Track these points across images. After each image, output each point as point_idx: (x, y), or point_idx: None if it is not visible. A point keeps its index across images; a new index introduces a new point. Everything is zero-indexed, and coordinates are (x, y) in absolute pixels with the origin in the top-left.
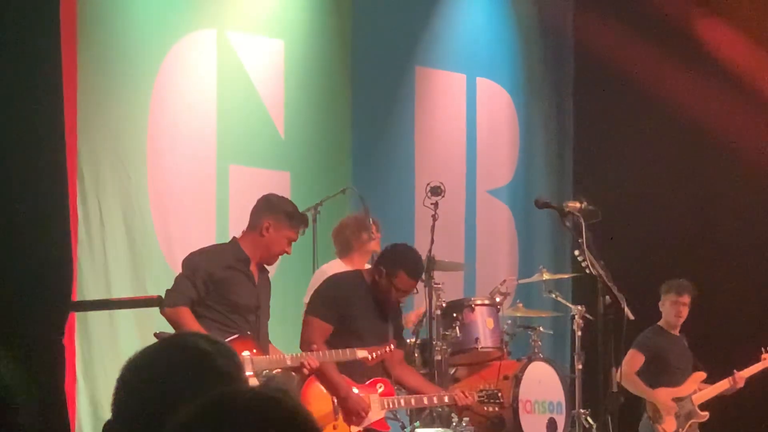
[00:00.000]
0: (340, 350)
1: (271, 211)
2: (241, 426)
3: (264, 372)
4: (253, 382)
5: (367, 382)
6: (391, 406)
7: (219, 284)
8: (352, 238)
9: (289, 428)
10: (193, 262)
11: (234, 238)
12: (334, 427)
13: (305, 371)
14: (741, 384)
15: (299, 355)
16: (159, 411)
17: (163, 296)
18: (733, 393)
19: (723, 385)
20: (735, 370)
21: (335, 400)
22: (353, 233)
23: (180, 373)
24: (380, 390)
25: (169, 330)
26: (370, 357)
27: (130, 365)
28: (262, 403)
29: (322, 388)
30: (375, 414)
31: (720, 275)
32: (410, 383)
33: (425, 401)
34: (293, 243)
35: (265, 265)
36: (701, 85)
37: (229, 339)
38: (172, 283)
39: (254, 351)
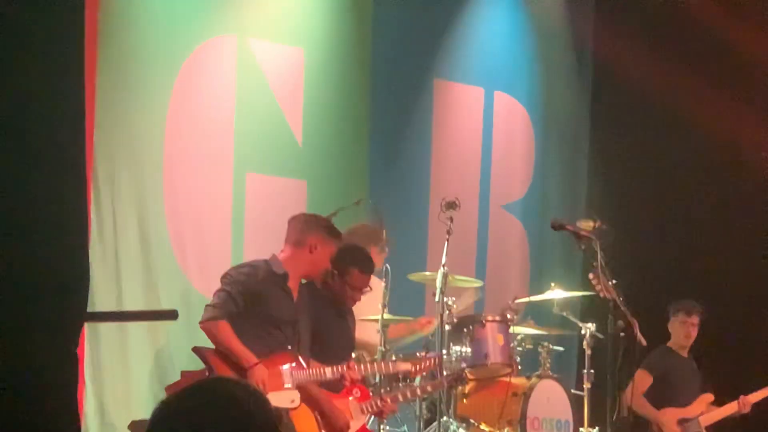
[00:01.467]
0: (383, 362)
1: (317, 229)
2: None
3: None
4: (293, 394)
5: (341, 390)
6: (369, 410)
7: (256, 297)
8: None
9: None
10: (231, 276)
11: (273, 255)
12: None
13: (346, 383)
14: (748, 408)
15: (339, 367)
16: None
17: (177, 309)
18: (740, 416)
19: (730, 408)
20: (742, 395)
21: (317, 415)
22: (361, 243)
23: (214, 425)
24: (356, 395)
25: (206, 342)
26: (413, 369)
27: (164, 409)
28: None
29: (306, 404)
30: (357, 422)
31: (731, 297)
32: None
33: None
34: None
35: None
36: (720, 105)
37: (269, 354)
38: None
39: (293, 365)
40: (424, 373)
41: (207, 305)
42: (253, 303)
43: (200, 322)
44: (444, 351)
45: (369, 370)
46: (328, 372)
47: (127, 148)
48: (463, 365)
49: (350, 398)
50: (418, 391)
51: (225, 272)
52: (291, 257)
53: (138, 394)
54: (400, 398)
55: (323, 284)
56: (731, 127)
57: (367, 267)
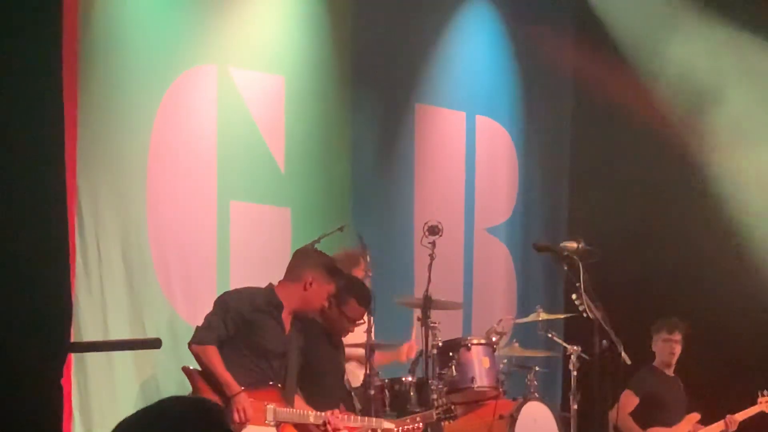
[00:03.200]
0: (366, 418)
1: (315, 267)
2: None
3: None
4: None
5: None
6: None
7: (248, 326)
8: None
9: None
10: (224, 301)
11: (270, 284)
12: None
13: (329, 428)
14: (734, 427)
15: (323, 414)
16: None
17: (160, 338)
18: None
19: (717, 428)
20: (728, 414)
21: None
22: (344, 269)
23: None
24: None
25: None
26: (395, 430)
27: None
28: None
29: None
30: None
31: (716, 316)
32: None
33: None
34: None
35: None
36: (700, 124)
37: (254, 386)
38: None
39: (278, 402)
40: None
41: (197, 327)
42: (243, 331)
43: (189, 344)
44: (430, 380)
45: (353, 422)
46: (311, 417)
47: (109, 179)
48: (452, 407)
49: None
50: (409, 424)
51: (220, 296)
52: (286, 290)
53: None
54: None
55: (320, 312)
56: (710, 146)
57: (364, 300)
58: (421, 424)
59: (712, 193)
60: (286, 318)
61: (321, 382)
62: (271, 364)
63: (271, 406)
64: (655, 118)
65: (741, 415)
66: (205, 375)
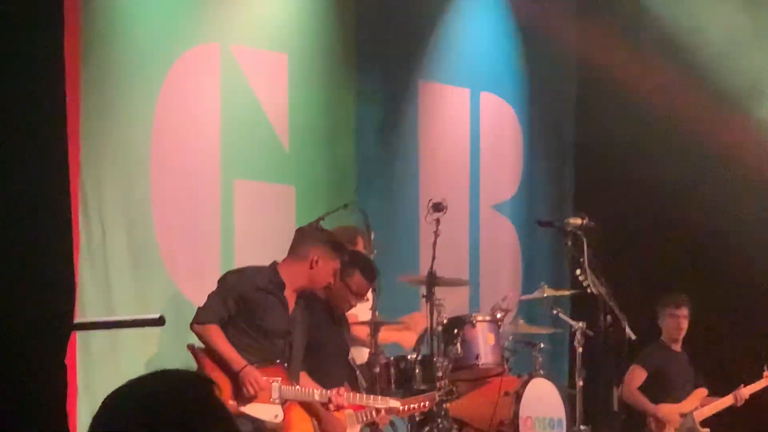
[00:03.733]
0: (371, 396)
1: (320, 244)
2: None
3: None
4: (277, 409)
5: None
6: (365, 419)
7: (249, 305)
8: None
9: None
10: (226, 280)
11: (274, 262)
12: None
13: (332, 408)
14: (743, 401)
15: (328, 391)
16: None
17: (164, 316)
18: (736, 409)
19: (726, 402)
20: (742, 384)
21: (314, 422)
22: None
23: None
24: None
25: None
26: (401, 408)
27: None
28: None
29: (303, 410)
30: (352, 430)
31: (722, 291)
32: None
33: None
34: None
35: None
36: (705, 101)
37: (258, 365)
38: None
39: (283, 379)
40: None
41: (199, 308)
42: (246, 311)
43: (191, 325)
44: (435, 358)
45: (357, 400)
46: (316, 394)
47: (113, 158)
48: (453, 388)
49: (347, 410)
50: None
51: (222, 275)
52: (291, 268)
53: None
54: (393, 412)
55: (326, 289)
56: (715, 121)
57: (369, 273)
58: (427, 403)
59: (717, 169)
60: (290, 296)
61: (325, 359)
62: (274, 343)
63: (276, 384)
64: (660, 94)
65: (749, 389)
66: (210, 353)
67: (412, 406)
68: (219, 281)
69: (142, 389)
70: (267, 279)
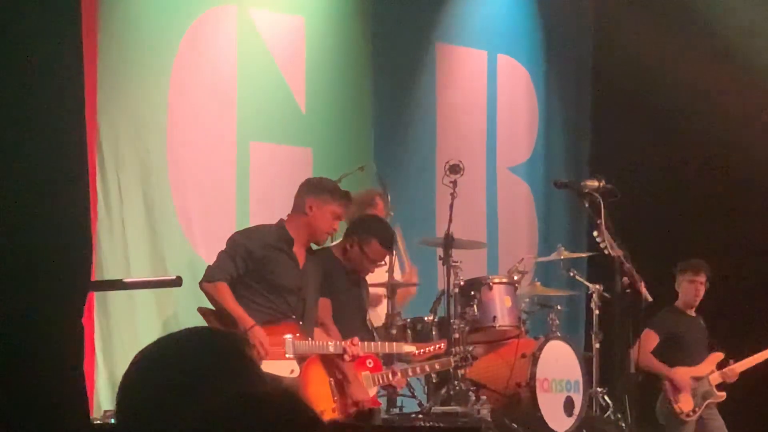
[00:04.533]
0: (386, 343)
1: (313, 190)
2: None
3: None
4: (292, 364)
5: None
6: (382, 381)
7: (258, 263)
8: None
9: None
10: (234, 239)
11: (281, 219)
12: (333, 410)
13: (347, 358)
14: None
15: (343, 342)
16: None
17: (181, 276)
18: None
19: (763, 356)
20: None
21: (332, 382)
22: (359, 210)
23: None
24: (370, 366)
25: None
26: (417, 352)
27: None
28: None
29: (323, 370)
30: (368, 392)
31: (738, 256)
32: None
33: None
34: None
35: (315, 245)
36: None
37: (271, 322)
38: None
39: (296, 335)
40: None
41: (208, 266)
42: (256, 268)
43: (200, 283)
44: (451, 319)
45: (372, 348)
46: (331, 347)
47: (130, 121)
48: (471, 348)
49: (368, 369)
50: (427, 368)
51: (231, 235)
52: (293, 222)
53: None
54: (410, 373)
55: (342, 252)
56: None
57: (386, 241)
58: (442, 345)
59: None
60: (299, 252)
61: (340, 318)
62: (287, 300)
63: (289, 339)
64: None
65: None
66: (219, 315)
67: (428, 348)
68: (227, 240)
69: (176, 345)
70: (275, 236)
